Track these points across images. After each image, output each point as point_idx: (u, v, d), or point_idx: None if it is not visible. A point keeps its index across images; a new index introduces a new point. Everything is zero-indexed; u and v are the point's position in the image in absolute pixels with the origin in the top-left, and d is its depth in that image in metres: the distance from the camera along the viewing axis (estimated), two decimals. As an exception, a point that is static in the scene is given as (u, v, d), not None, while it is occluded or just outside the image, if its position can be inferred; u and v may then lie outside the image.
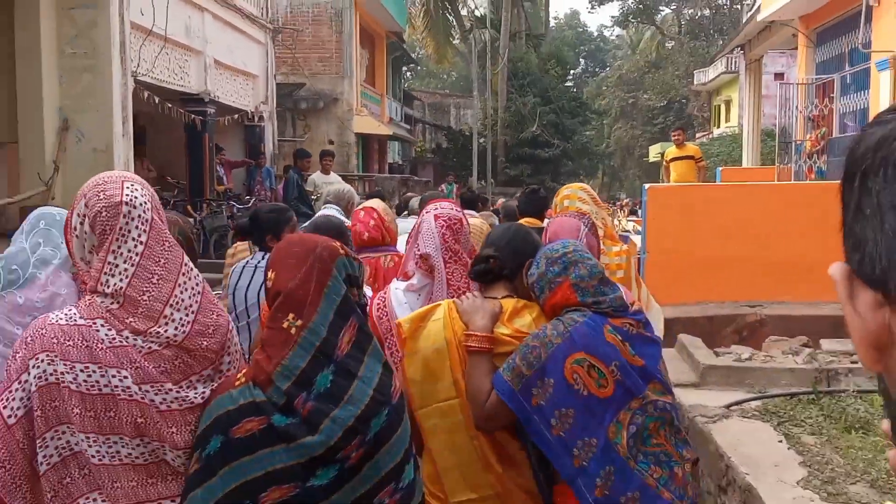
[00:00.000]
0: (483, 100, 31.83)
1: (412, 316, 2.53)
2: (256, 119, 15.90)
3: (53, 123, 9.99)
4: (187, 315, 1.94)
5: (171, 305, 1.92)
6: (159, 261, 1.94)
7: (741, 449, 3.37)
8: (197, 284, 2.01)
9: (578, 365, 2.23)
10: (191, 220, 10.90)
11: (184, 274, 1.98)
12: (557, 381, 2.23)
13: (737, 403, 3.89)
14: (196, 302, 1.97)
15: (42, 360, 1.85)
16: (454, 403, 2.36)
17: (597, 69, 62.90)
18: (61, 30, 9.94)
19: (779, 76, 25.31)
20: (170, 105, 12.02)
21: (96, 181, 2.01)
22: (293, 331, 1.84)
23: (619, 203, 30.51)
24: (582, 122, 35.51)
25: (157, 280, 1.92)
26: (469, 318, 2.39)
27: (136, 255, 1.92)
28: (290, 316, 1.85)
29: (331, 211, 5.57)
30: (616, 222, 13.45)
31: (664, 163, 14.66)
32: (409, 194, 13.89)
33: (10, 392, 1.86)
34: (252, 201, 13.56)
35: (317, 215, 5.57)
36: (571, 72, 47.29)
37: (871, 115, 11.83)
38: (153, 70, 11.38)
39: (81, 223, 1.95)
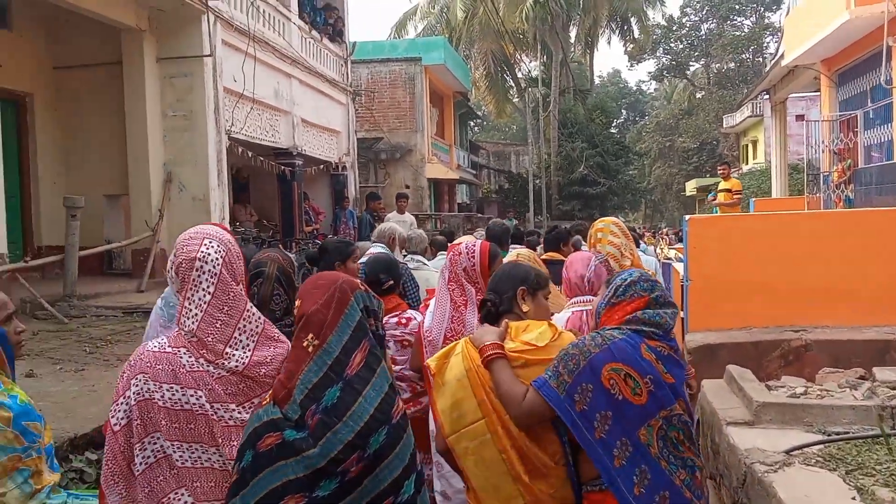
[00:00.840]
0: (537, 146, 31.09)
1: (437, 355, 2.42)
2: (340, 169, 15.56)
3: (159, 177, 9.70)
4: (245, 352, 1.96)
5: (231, 346, 1.95)
6: (223, 308, 1.96)
7: (810, 509, 2.46)
8: (257, 326, 2.01)
9: (615, 373, 2.14)
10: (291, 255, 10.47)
11: (244, 319, 1.99)
12: (596, 386, 2.14)
13: (798, 448, 2.96)
14: (254, 340, 1.99)
15: (140, 380, 1.93)
16: (481, 424, 2.23)
17: (637, 118, 61.25)
18: (163, 96, 9.67)
19: (799, 117, 24.12)
20: (262, 158, 11.68)
21: (184, 236, 2.05)
22: (311, 349, 1.79)
23: (661, 232, 29.16)
24: (625, 162, 34.28)
25: (220, 325, 1.96)
26: (479, 342, 2.33)
27: (205, 303, 1.95)
28: (310, 336, 1.80)
29: (377, 248, 5.44)
30: (659, 251, 12.49)
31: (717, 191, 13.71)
32: (471, 229, 13.34)
33: (118, 405, 1.95)
34: (330, 238, 13.11)
35: (367, 251, 5.36)
36: (615, 121, 46.09)
37: (896, 146, 10.64)
38: (246, 128, 11.01)
39: (170, 269, 2.05)
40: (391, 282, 3.60)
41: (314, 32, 13.72)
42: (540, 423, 2.21)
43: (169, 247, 9.64)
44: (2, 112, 7.58)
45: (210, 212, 9.82)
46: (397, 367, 3.36)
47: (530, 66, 35.54)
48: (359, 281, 1.98)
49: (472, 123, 39.25)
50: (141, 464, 1.91)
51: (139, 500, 1.92)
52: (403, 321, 3.45)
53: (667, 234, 26.24)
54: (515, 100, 37.31)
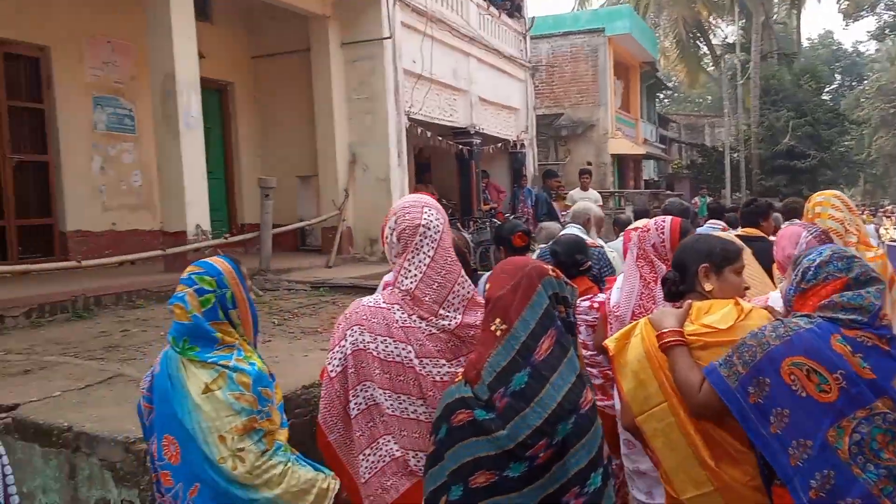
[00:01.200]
0: (735, 117, 28.82)
1: (617, 335, 2.37)
2: (518, 146, 15.41)
3: (344, 158, 10.15)
4: (456, 314, 2.07)
5: (444, 307, 2.06)
6: (441, 272, 2.08)
7: None
8: (468, 292, 2.11)
9: (797, 367, 1.95)
10: (466, 236, 10.73)
11: (458, 283, 2.10)
12: (774, 381, 1.97)
13: None
14: (464, 305, 2.09)
15: (355, 331, 2.07)
16: (664, 406, 2.16)
17: (853, 83, 54.70)
18: (347, 80, 10.08)
19: None
20: (440, 138, 11.84)
21: (404, 204, 2.17)
22: (498, 333, 1.83)
23: (884, 210, 25.88)
24: (840, 132, 30.63)
25: (437, 287, 2.07)
26: (658, 324, 2.23)
27: (425, 265, 2.08)
28: (497, 320, 1.85)
29: (573, 229, 5.36)
30: (882, 231, 10.97)
31: None
32: (658, 207, 12.65)
33: (333, 353, 2.11)
34: (511, 219, 13.02)
35: (561, 233, 5.25)
36: (827, 87, 41.41)
37: None
38: (425, 108, 11.21)
39: (391, 234, 2.15)
40: (588, 262, 3.60)
41: (492, 9, 13.63)
42: (718, 414, 2.08)
43: (355, 225, 10.10)
44: (207, 100, 8.32)
45: (391, 191, 10.13)
46: (589, 353, 3.34)
47: (727, 30, 33.02)
48: (549, 267, 1.96)
49: (660, 95, 37.30)
50: (354, 408, 2.07)
51: (354, 440, 2.09)
52: (596, 305, 3.43)
53: (892, 212, 23.20)
54: (710, 68, 34.87)
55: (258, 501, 2.10)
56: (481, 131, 13.33)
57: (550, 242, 4.20)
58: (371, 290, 8.02)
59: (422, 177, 14.29)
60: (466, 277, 2.16)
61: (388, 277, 2.99)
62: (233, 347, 2.20)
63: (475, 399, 1.83)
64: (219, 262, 2.28)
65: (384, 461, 2.06)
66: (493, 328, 1.85)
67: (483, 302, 2.09)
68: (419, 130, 11.08)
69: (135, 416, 3.39)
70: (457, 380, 1.92)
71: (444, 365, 2.05)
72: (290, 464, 2.17)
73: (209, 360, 2.15)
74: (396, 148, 10.26)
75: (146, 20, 7.42)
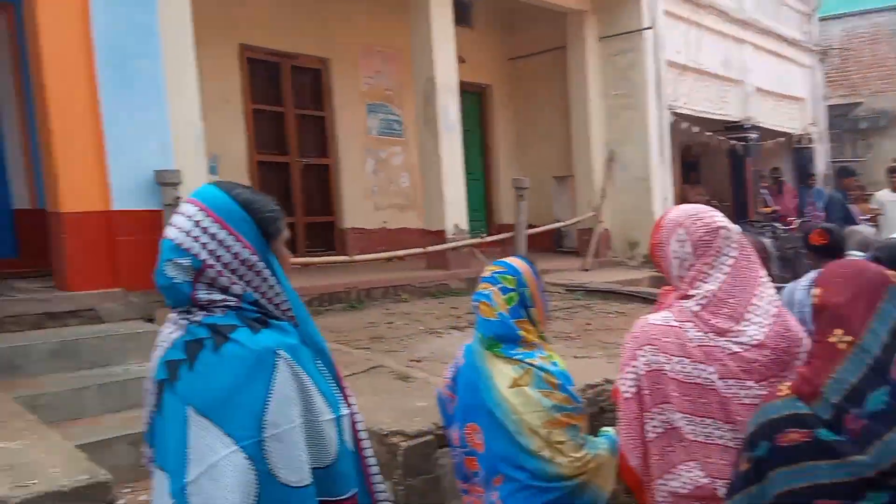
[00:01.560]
0: None
1: None
2: (804, 141, 13.85)
3: (601, 157, 9.93)
4: (765, 319, 1.92)
5: (750, 310, 1.94)
6: (743, 273, 1.98)
7: None
8: (773, 297, 1.99)
9: None
10: (767, 241, 9.79)
11: (761, 285, 1.99)
12: None
13: None
14: (771, 313, 1.94)
15: (647, 351, 1.98)
16: None
17: None
18: (605, 75, 9.85)
19: None
20: (709, 133, 11.06)
21: (688, 213, 2.07)
22: (842, 346, 1.65)
23: None
24: None
25: (741, 289, 1.96)
26: None
27: (728, 266, 1.98)
28: (838, 332, 1.67)
29: None
30: None
31: None
32: None
33: (625, 374, 2.03)
34: (797, 223, 11.70)
35: (888, 240, 4.55)
36: None
37: None
38: (690, 102, 10.53)
39: (682, 246, 2.03)
40: None
41: (772, -12, 12.46)
42: None
43: (612, 227, 9.82)
44: (467, 103, 8.68)
45: (651, 191, 9.68)
46: None
47: None
48: (892, 274, 1.76)
49: None
50: (650, 432, 2.00)
51: (652, 464, 2.02)
52: None
53: None
54: None
55: (569, 486, 2.25)
56: (758, 125, 12.20)
57: (871, 250, 3.66)
58: (630, 297, 7.64)
59: (688, 176, 13.47)
60: (770, 284, 2.02)
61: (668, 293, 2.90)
62: (534, 346, 2.29)
63: (815, 418, 1.65)
64: (517, 261, 2.39)
65: (687, 488, 1.96)
66: (832, 340, 1.66)
67: (786, 313, 1.98)
68: (684, 126, 10.44)
69: (387, 409, 3.58)
70: (779, 395, 1.76)
71: (751, 387, 1.89)
72: (600, 450, 2.33)
73: (514, 357, 2.27)
74: (658, 145, 9.77)
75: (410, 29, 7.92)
